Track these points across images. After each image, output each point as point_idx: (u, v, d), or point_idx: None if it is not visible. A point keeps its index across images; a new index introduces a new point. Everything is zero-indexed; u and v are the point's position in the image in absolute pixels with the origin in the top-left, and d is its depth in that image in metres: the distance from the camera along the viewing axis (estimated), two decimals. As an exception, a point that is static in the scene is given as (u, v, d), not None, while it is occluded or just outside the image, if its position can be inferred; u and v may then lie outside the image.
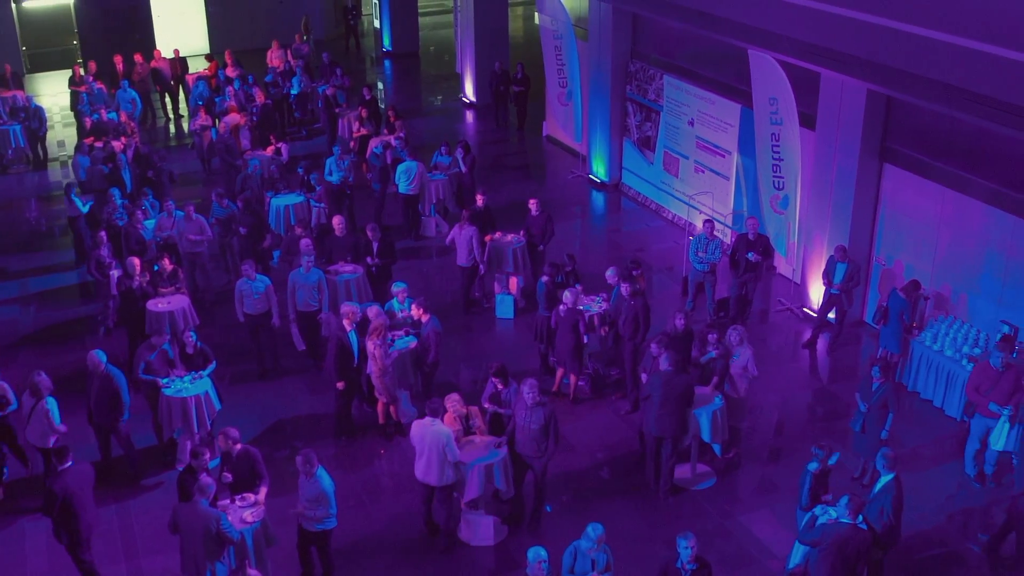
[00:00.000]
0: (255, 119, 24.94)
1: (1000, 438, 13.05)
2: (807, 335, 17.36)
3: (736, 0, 15.35)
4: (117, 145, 21.85)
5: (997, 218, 15.04)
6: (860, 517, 10.99)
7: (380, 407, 14.76)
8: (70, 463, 11.70)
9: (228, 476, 11.84)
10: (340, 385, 14.38)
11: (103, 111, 24.74)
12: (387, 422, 14.78)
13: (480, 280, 18.39)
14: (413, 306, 14.98)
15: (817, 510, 11.44)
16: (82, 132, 25.19)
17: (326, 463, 12.38)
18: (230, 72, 27.80)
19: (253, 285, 15.82)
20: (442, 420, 12.24)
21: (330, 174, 20.57)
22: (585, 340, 15.49)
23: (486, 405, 13.20)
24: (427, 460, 12.20)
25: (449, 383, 15.60)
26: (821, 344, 17.17)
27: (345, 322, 14.37)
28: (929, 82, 12.42)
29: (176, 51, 29.59)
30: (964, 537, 12.87)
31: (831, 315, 16.92)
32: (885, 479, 11.30)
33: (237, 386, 16.10)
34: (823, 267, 16.87)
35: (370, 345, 14.12)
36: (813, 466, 11.56)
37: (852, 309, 17.09)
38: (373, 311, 14.82)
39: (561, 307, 15.09)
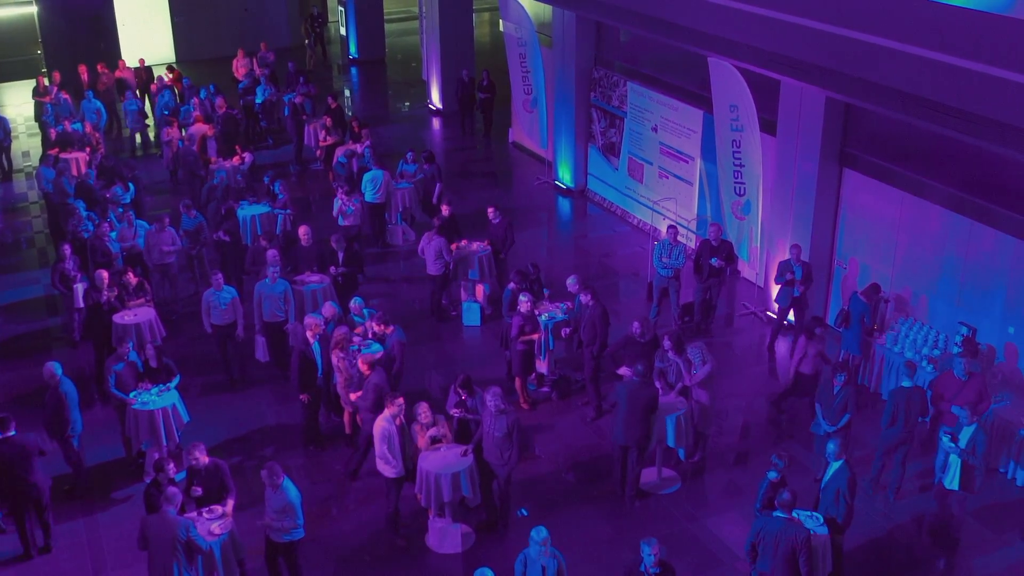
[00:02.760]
0: (220, 128, 24.92)
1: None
2: (770, 338, 17.56)
3: (696, 8, 15.51)
4: (82, 157, 21.82)
5: (954, 221, 15.28)
6: (820, 519, 11.20)
7: (347, 417, 14.83)
8: (12, 432, 12.35)
9: (198, 490, 11.87)
10: (303, 397, 14.46)
11: (67, 122, 24.63)
12: (355, 432, 14.84)
13: (447, 288, 18.46)
14: (373, 322, 15.05)
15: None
16: (47, 143, 25.09)
17: (294, 473, 12.46)
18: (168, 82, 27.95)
19: (220, 296, 15.86)
20: (397, 414, 12.49)
21: (341, 215, 19.92)
22: (551, 347, 15.75)
23: (452, 412, 13.30)
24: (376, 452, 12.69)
25: (418, 391, 15.66)
26: (783, 347, 17.38)
27: (308, 334, 14.43)
28: (885, 89, 12.63)
29: (142, 60, 29.51)
30: (927, 538, 13.08)
31: (790, 317, 17.19)
32: (835, 465, 11.64)
33: (205, 397, 16.12)
34: (776, 270, 17.14)
35: (334, 358, 14.20)
36: (772, 475, 11.73)
37: (811, 311, 17.34)
38: (328, 310, 15.04)
39: (516, 315, 15.24)
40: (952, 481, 12.47)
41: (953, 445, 12.29)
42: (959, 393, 13.19)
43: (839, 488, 11.48)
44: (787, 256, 16.80)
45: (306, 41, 36.02)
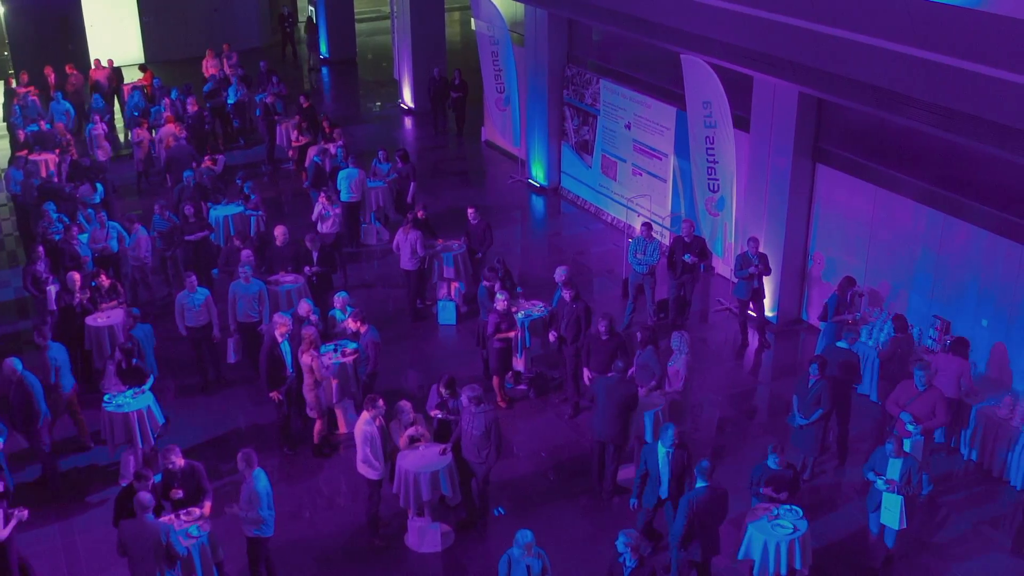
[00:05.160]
0: (188, 129, 24.72)
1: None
2: (740, 334, 17.64)
3: (669, 5, 15.54)
4: (51, 158, 21.62)
5: (928, 216, 15.37)
6: (800, 512, 11.22)
7: (318, 426, 14.60)
8: None
9: (179, 492, 11.77)
10: (274, 395, 14.34)
11: (42, 123, 24.39)
12: (322, 442, 14.70)
13: (422, 284, 18.39)
14: (350, 319, 14.99)
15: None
16: (15, 144, 24.85)
17: (270, 474, 12.36)
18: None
19: (193, 297, 15.74)
20: (377, 415, 12.41)
21: (320, 219, 19.42)
22: (528, 344, 15.76)
23: (432, 413, 13.24)
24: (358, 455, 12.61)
25: (395, 390, 15.59)
26: (753, 341, 17.47)
27: (276, 332, 14.30)
28: (858, 84, 12.69)
29: (110, 61, 29.25)
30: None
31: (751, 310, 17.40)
32: (697, 486, 11.42)
33: (180, 399, 16.01)
34: (735, 263, 17.26)
35: (306, 358, 14.10)
36: (771, 462, 11.83)
37: (788, 306, 17.48)
38: (303, 308, 14.98)
39: (493, 313, 15.22)
40: (894, 520, 11.85)
41: (886, 484, 11.75)
42: (915, 400, 13.05)
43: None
44: (747, 249, 16.93)
45: (308, 38, 35.99)
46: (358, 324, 14.81)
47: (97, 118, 24.79)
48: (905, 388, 13.22)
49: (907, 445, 12.64)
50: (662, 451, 11.86)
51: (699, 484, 11.18)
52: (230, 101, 27.31)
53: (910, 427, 12.82)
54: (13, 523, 11.53)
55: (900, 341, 14.55)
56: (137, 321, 15.12)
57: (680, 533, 11.14)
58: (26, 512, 11.82)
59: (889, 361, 14.53)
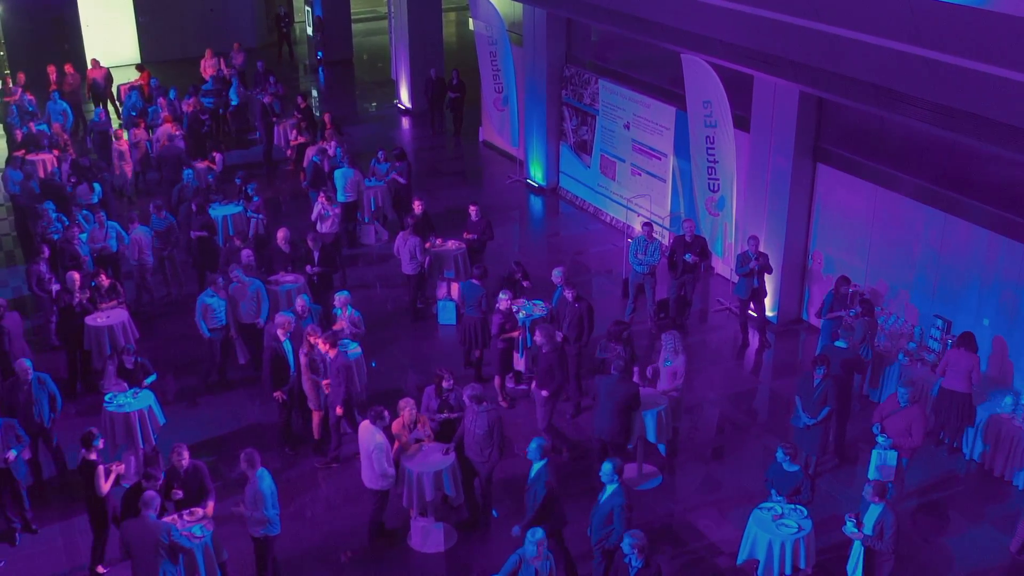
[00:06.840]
0: (185, 129, 24.67)
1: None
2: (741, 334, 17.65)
3: (668, 4, 15.53)
4: (48, 158, 21.58)
5: (928, 215, 15.38)
6: (805, 511, 11.20)
7: (316, 420, 14.53)
8: None
9: (179, 493, 11.75)
10: (277, 395, 14.31)
11: (33, 123, 24.32)
12: (323, 439, 14.66)
13: (422, 287, 18.37)
14: (320, 340, 13.98)
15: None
16: (12, 145, 24.81)
17: (273, 474, 12.36)
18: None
19: (219, 297, 15.69)
20: (382, 427, 12.31)
21: (320, 219, 19.35)
22: (529, 344, 15.74)
23: (436, 416, 13.17)
24: (363, 464, 12.50)
25: (393, 390, 15.56)
26: (754, 340, 17.47)
27: (279, 332, 14.26)
28: (858, 83, 12.69)
29: (96, 61, 29.15)
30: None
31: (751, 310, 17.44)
32: (610, 488, 11.32)
33: (182, 400, 15.98)
34: (735, 262, 17.30)
35: (301, 355, 14.09)
36: (783, 461, 11.87)
37: (788, 306, 17.51)
38: (300, 304, 14.99)
39: (496, 313, 15.20)
40: (855, 569, 11.29)
41: (856, 530, 11.09)
42: (892, 416, 13.01)
43: (612, 510, 11.26)
44: (747, 248, 16.93)
45: (316, 36, 36.00)
46: (327, 347, 13.88)
47: (120, 133, 24.18)
48: (891, 400, 13.25)
49: (874, 458, 12.60)
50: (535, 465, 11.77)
51: (612, 487, 11.18)
52: (234, 102, 27.28)
53: (879, 438, 12.83)
54: (113, 477, 12.03)
55: (866, 324, 14.79)
56: (5, 312, 15.30)
57: (622, 535, 10.95)
58: (123, 467, 12.41)
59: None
